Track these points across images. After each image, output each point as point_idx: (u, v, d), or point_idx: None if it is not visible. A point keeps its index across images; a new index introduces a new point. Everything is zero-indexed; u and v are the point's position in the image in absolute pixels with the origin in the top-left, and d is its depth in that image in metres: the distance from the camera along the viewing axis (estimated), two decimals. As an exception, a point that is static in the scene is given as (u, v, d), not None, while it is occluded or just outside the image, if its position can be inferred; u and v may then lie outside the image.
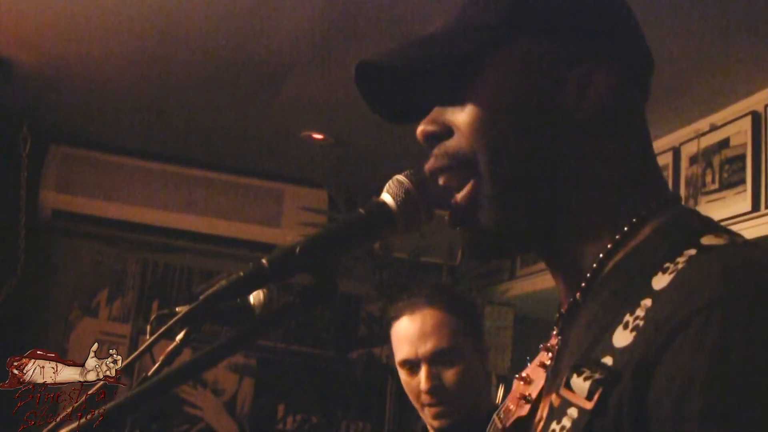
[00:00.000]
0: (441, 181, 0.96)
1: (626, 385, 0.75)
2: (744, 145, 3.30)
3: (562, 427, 0.81)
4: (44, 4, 3.21)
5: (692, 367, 0.71)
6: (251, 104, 4.00)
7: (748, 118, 3.30)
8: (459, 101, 0.94)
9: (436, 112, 0.97)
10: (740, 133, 3.33)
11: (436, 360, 2.08)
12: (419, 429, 2.30)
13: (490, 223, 0.93)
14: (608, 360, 0.79)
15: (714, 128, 3.47)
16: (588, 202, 0.92)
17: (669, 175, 3.64)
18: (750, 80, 3.23)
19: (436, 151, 0.96)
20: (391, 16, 2.93)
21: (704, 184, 3.48)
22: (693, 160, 3.57)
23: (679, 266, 0.80)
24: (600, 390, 0.77)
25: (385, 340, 2.26)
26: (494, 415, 1.94)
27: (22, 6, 3.25)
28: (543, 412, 0.88)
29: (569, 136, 0.92)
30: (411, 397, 2.16)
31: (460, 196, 0.94)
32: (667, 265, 0.81)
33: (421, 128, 0.97)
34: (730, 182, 3.35)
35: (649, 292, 0.79)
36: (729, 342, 0.70)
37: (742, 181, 3.28)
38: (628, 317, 0.79)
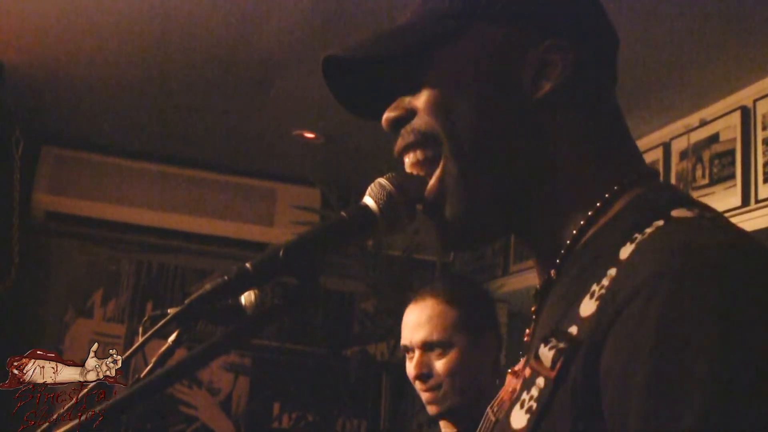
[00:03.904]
0: (410, 164, 0.98)
1: (583, 354, 0.77)
2: (733, 140, 3.32)
3: (531, 396, 0.82)
4: (36, 5, 3.22)
5: (635, 342, 0.72)
6: (243, 104, 4.00)
7: (738, 113, 3.32)
8: (420, 88, 0.96)
9: (399, 99, 0.99)
10: (730, 128, 3.35)
11: (426, 349, 2.17)
12: (414, 426, 2.33)
13: (458, 211, 0.95)
14: (573, 329, 0.80)
15: (704, 123, 3.49)
16: (559, 181, 0.93)
17: (659, 170, 3.66)
18: (739, 75, 3.25)
19: (402, 130, 0.98)
20: (380, 13, 2.94)
21: (694, 179, 3.49)
22: (683, 155, 3.59)
23: (645, 236, 0.81)
24: (562, 359, 0.79)
25: (380, 337, 2.32)
26: (488, 408, 1.97)
27: (14, 8, 3.25)
28: (517, 385, 0.90)
29: (531, 116, 0.93)
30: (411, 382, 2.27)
31: (429, 186, 0.96)
32: (635, 235, 0.82)
33: (385, 115, 1.00)
34: (720, 177, 3.37)
35: (616, 261, 0.80)
36: (671, 316, 0.71)
37: (732, 176, 3.30)
38: (594, 287, 0.81)
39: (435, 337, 2.16)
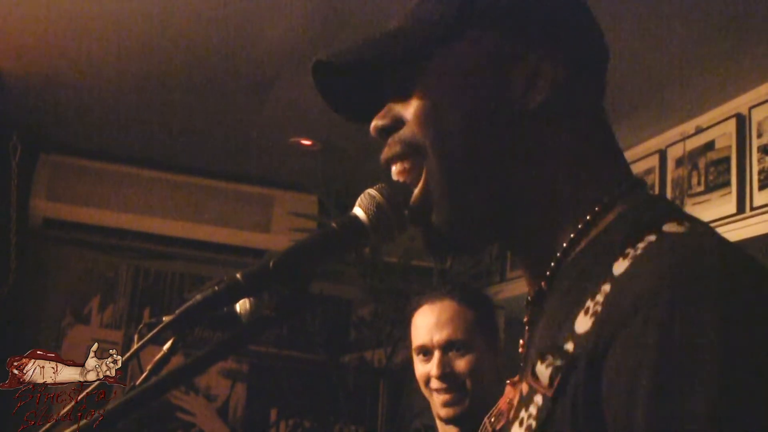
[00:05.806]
0: (396, 172, 0.98)
1: (581, 372, 0.77)
2: (729, 147, 3.34)
3: (529, 415, 0.83)
4: (33, 13, 3.23)
5: (636, 363, 0.72)
6: (240, 111, 4.01)
7: (733, 121, 3.33)
8: (409, 96, 0.96)
9: (388, 106, 0.99)
10: (725, 136, 3.37)
11: (448, 348, 2.17)
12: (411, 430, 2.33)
13: (443, 221, 0.95)
14: (570, 346, 0.80)
15: (699, 131, 3.51)
16: (547, 193, 0.93)
17: (655, 177, 3.67)
18: (734, 83, 3.26)
19: (390, 140, 0.98)
20: (376, 22, 2.95)
21: (690, 186, 3.51)
22: (679, 162, 3.60)
23: (638, 252, 0.80)
24: (559, 377, 0.79)
25: (377, 343, 2.31)
26: (485, 418, 1.99)
27: (11, 15, 3.26)
28: (515, 399, 0.90)
29: (520, 127, 0.93)
30: (421, 384, 2.24)
31: (414, 195, 0.96)
32: (627, 250, 0.81)
33: (373, 123, 1.00)
34: (716, 184, 3.38)
35: (609, 277, 0.80)
36: (669, 338, 0.71)
37: (728, 183, 3.31)
38: (589, 302, 0.80)
39: (459, 336, 2.16)
